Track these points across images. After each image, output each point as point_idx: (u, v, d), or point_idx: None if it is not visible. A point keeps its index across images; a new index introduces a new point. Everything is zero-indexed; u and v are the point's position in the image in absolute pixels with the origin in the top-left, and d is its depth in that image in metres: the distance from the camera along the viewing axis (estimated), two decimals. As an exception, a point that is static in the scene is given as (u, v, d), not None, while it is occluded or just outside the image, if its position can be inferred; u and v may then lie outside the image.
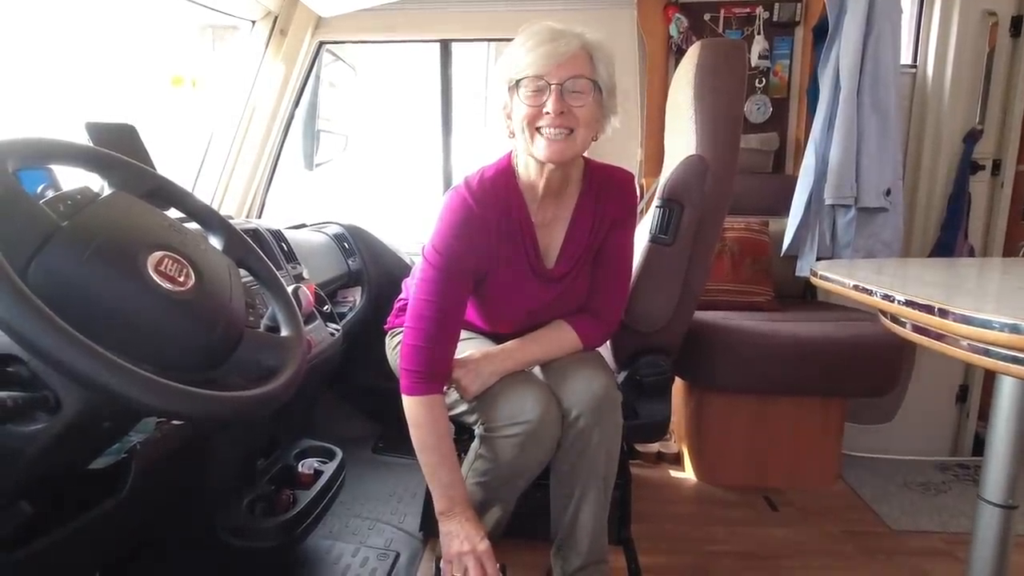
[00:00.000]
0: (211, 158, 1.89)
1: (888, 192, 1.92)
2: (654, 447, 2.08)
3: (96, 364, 0.58)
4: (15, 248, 0.62)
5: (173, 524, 1.24)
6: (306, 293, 1.37)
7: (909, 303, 0.71)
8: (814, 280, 1.02)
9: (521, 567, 1.37)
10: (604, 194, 1.22)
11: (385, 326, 1.44)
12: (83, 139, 1.05)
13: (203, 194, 1.85)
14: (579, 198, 1.22)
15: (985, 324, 0.60)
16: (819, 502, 1.83)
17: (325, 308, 1.53)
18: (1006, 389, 0.92)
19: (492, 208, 1.15)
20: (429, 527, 1.56)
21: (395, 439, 2.10)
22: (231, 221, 0.97)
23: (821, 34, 2.02)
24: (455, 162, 2.37)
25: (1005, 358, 0.62)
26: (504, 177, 1.17)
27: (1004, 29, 2.10)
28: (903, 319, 0.78)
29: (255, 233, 1.45)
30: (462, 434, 1.35)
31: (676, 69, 1.66)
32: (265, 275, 0.95)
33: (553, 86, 1.06)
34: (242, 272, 0.91)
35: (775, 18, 2.22)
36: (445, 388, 1.19)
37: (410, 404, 1.14)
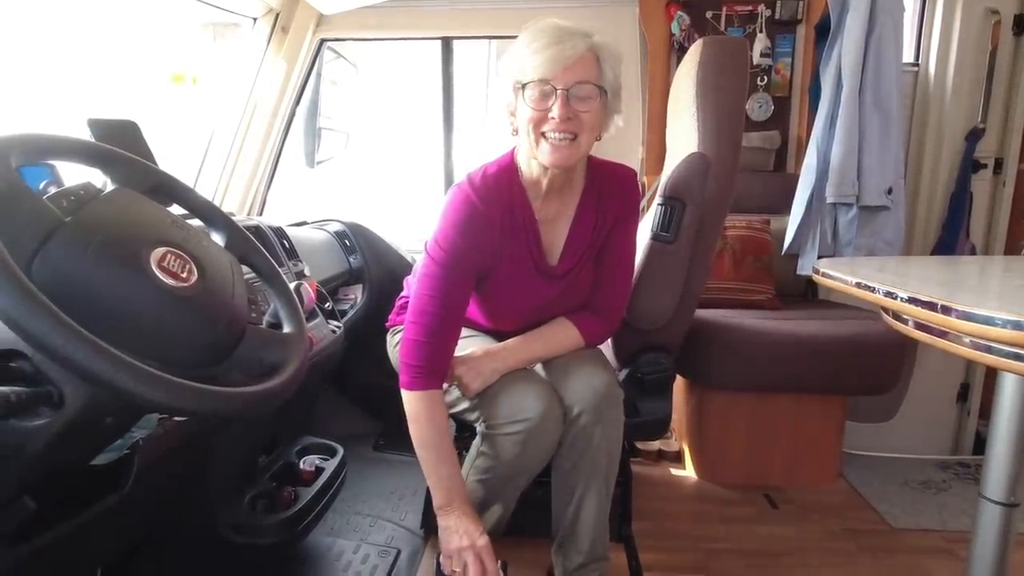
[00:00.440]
0: (212, 155, 1.89)
1: (890, 190, 1.92)
2: (655, 445, 2.09)
3: (100, 360, 0.58)
4: (19, 244, 0.62)
5: (175, 520, 1.24)
6: (308, 290, 1.37)
7: (912, 300, 0.71)
8: (816, 278, 1.02)
9: (522, 564, 1.38)
10: (607, 191, 1.22)
11: (387, 323, 1.44)
12: (85, 135, 1.05)
13: (205, 191, 1.85)
14: (582, 195, 1.22)
15: (988, 321, 0.60)
16: (820, 500, 1.83)
17: (327, 305, 1.53)
18: (1008, 386, 0.92)
19: (495, 205, 1.14)
20: (430, 524, 1.56)
21: (396, 436, 2.10)
22: (233, 218, 0.97)
23: (823, 32, 2.02)
24: (456, 159, 2.37)
25: (1007, 355, 0.62)
26: (507, 174, 1.17)
27: (1007, 27, 2.09)
28: (905, 316, 0.78)
29: (257, 230, 1.45)
30: (463, 432, 1.35)
31: (678, 67, 1.66)
32: (267, 272, 0.95)
33: (559, 91, 1.05)
34: (244, 269, 0.91)
35: (777, 16, 2.21)
36: (446, 386, 1.20)
37: (409, 399, 1.15)
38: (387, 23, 2.20)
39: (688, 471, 2.02)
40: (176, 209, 0.87)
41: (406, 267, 2.00)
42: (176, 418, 0.97)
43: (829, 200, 1.94)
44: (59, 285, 0.63)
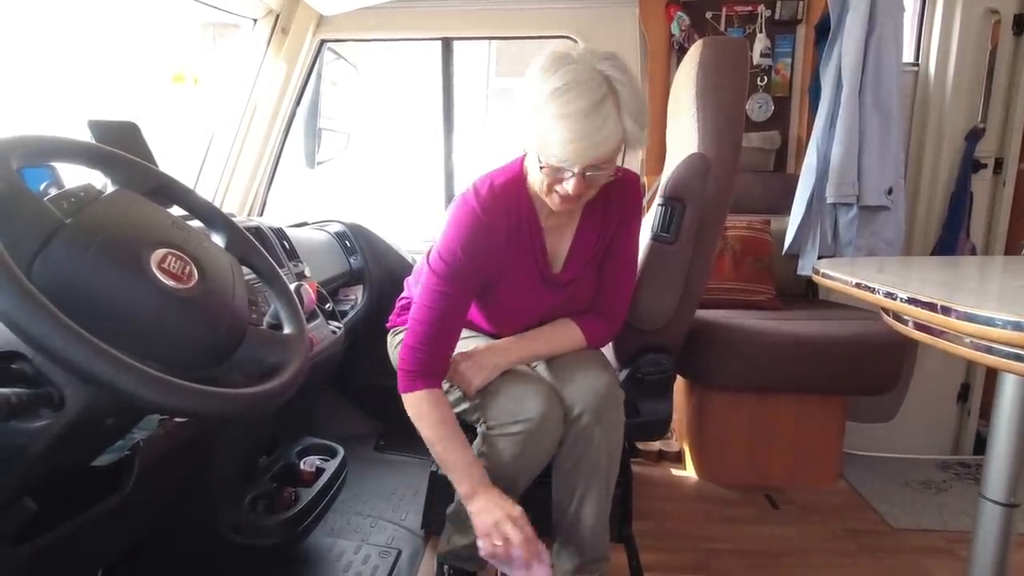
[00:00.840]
0: (213, 156, 1.89)
1: (890, 191, 1.92)
2: (655, 445, 2.09)
3: (100, 361, 0.58)
4: (19, 245, 0.62)
5: (175, 521, 1.25)
6: (308, 291, 1.37)
7: (912, 301, 0.71)
8: (816, 278, 1.02)
9: (522, 565, 1.37)
10: (611, 197, 1.21)
11: (387, 324, 1.44)
12: (86, 137, 1.05)
13: (205, 192, 1.85)
14: (587, 203, 1.21)
15: (988, 321, 0.60)
16: (820, 500, 1.83)
17: (327, 306, 1.53)
18: (1008, 387, 0.93)
19: (502, 215, 1.13)
20: (431, 524, 1.56)
21: (397, 437, 2.10)
22: (233, 219, 0.97)
23: (823, 32, 2.02)
24: (457, 160, 2.37)
25: (1008, 355, 0.62)
26: (515, 185, 1.15)
27: (1006, 27, 2.09)
28: (905, 317, 0.78)
29: (257, 231, 1.45)
30: (464, 432, 1.35)
31: (678, 67, 1.66)
32: (268, 273, 0.96)
33: (577, 172, 1.01)
34: (245, 270, 0.91)
35: (777, 16, 2.21)
36: (447, 386, 1.20)
37: (409, 400, 1.14)
38: (387, 24, 2.20)
39: (688, 471, 2.02)
40: (176, 210, 0.87)
41: (406, 268, 2.00)
42: (177, 419, 0.97)
43: (829, 200, 1.94)
44: (60, 287, 0.63)
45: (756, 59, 2.20)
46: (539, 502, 1.25)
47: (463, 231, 1.12)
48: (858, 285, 0.86)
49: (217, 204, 1.78)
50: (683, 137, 1.46)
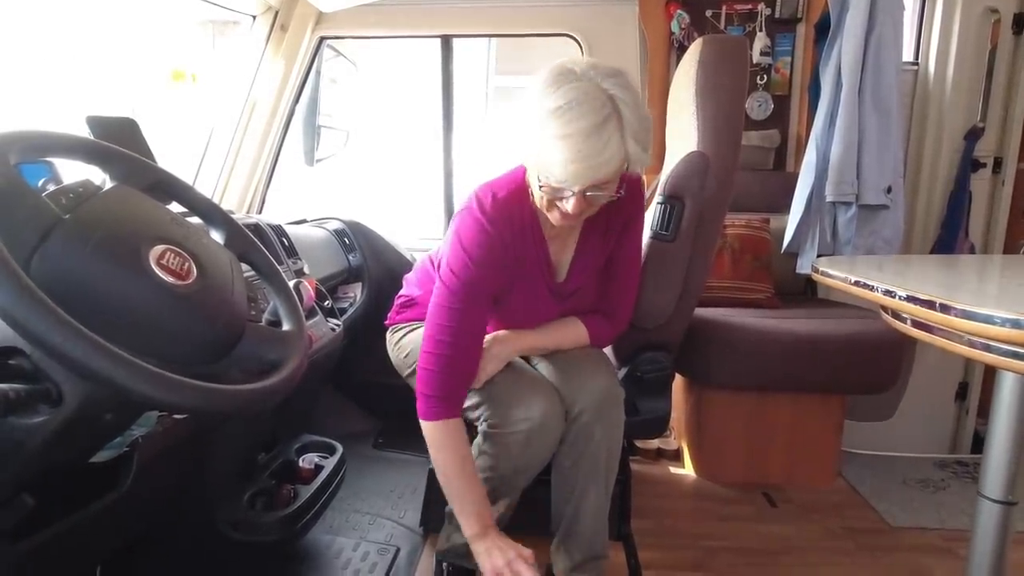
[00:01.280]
0: (212, 153, 1.89)
1: (889, 189, 1.92)
2: (654, 443, 2.09)
3: (99, 357, 0.58)
4: (18, 241, 0.62)
5: (174, 518, 1.25)
6: (307, 288, 1.38)
7: (911, 299, 0.71)
8: (815, 276, 1.02)
9: (521, 562, 1.38)
10: (614, 202, 1.21)
11: (386, 322, 1.44)
12: (84, 133, 1.05)
13: (204, 189, 1.85)
14: None
15: (987, 319, 0.60)
16: (818, 499, 1.84)
17: (326, 303, 1.53)
18: (1007, 385, 0.93)
19: (507, 227, 1.12)
20: (429, 522, 1.56)
21: (395, 434, 2.10)
22: (232, 216, 0.97)
23: (823, 31, 2.02)
24: (456, 158, 2.37)
25: (1006, 353, 0.62)
26: (517, 196, 1.13)
27: (1006, 26, 2.09)
28: (904, 315, 0.78)
29: (256, 228, 1.45)
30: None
31: (677, 66, 1.66)
32: (267, 269, 0.95)
33: (576, 192, 1.00)
34: (244, 266, 0.91)
35: (777, 15, 2.21)
36: None
37: (429, 429, 1.12)
38: (387, 21, 2.20)
39: (687, 469, 2.02)
40: (175, 207, 0.87)
41: (405, 265, 2.00)
42: (175, 416, 0.97)
43: (828, 199, 1.94)
44: (58, 282, 0.63)
45: (756, 57, 2.19)
46: (539, 500, 1.26)
47: (473, 244, 1.10)
48: (857, 283, 0.86)
49: (216, 201, 1.78)
50: (683, 135, 1.46)
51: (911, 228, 2.20)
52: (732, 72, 1.36)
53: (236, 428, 1.27)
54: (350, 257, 1.98)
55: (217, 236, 0.90)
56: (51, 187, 0.72)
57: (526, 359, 1.29)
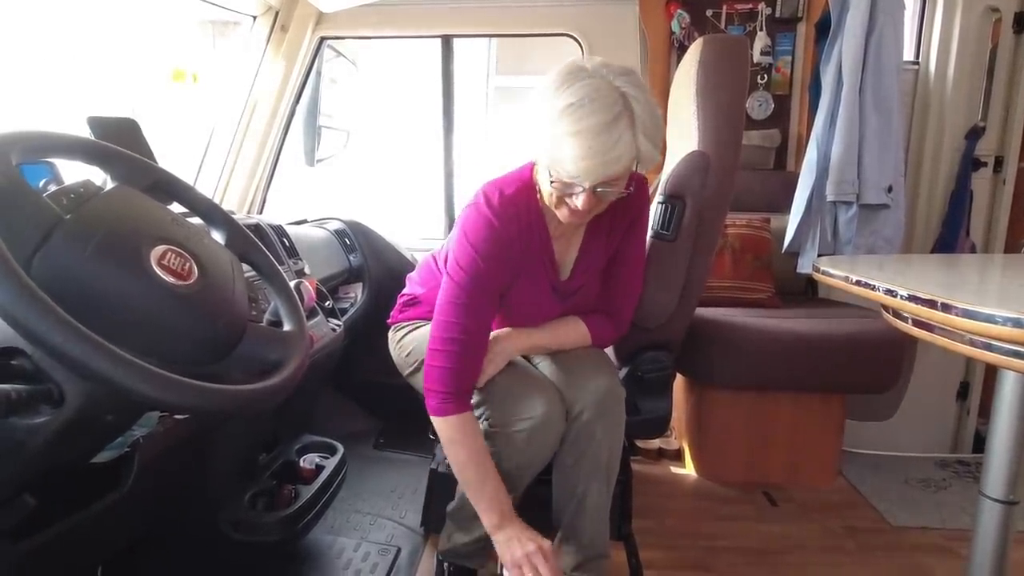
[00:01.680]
0: (212, 153, 1.89)
1: (890, 189, 1.92)
2: (655, 443, 2.09)
3: (100, 357, 0.58)
4: (19, 241, 0.62)
5: (175, 518, 1.25)
6: (308, 288, 1.38)
7: (912, 298, 0.71)
8: (816, 276, 1.02)
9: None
10: (619, 201, 1.21)
11: (388, 320, 1.44)
12: (85, 133, 1.05)
13: (205, 189, 1.85)
14: None
15: (988, 319, 0.60)
16: (819, 498, 1.84)
17: (327, 304, 1.53)
18: (1008, 384, 0.93)
19: (513, 223, 1.12)
20: (430, 522, 1.56)
21: (396, 435, 2.10)
22: (233, 216, 0.97)
23: (824, 30, 2.02)
24: (457, 158, 2.37)
25: (1008, 352, 0.62)
26: (525, 194, 1.14)
27: (1007, 25, 2.09)
28: (905, 314, 0.78)
29: (257, 228, 1.45)
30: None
31: (678, 65, 1.66)
32: (267, 270, 0.95)
33: (587, 188, 1.01)
34: (244, 267, 0.91)
35: (777, 14, 2.21)
36: None
37: (442, 425, 1.12)
38: (387, 21, 2.20)
39: (688, 469, 2.02)
40: (176, 207, 0.87)
41: (406, 265, 2.00)
42: (176, 416, 0.97)
43: (829, 198, 1.94)
44: (59, 282, 0.63)
45: (756, 57, 2.19)
46: (540, 499, 1.26)
47: (480, 239, 1.10)
48: (858, 283, 0.86)
49: (217, 201, 1.79)
50: (683, 135, 1.46)
51: (912, 227, 2.20)
52: (733, 72, 1.36)
53: (237, 428, 1.27)
54: (351, 257, 1.98)
55: (218, 236, 0.90)
56: (52, 187, 0.72)
57: (527, 358, 1.29)
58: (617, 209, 1.17)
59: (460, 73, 2.35)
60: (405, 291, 1.44)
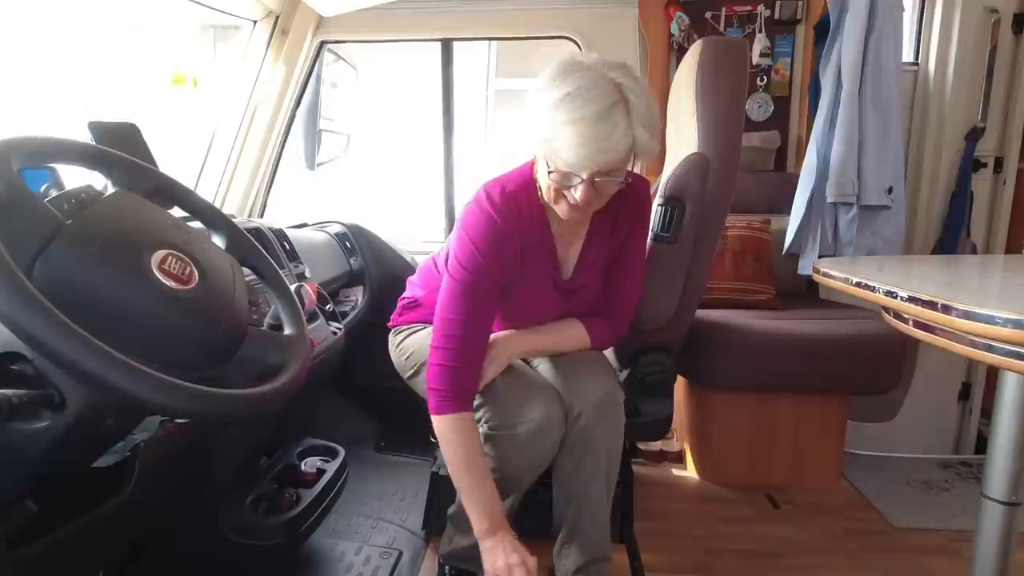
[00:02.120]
0: (213, 158, 1.89)
1: (890, 190, 1.92)
2: (656, 445, 2.08)
3: (101, 362, 0.58)
4: (20, 246, 0.62)
5: (176, 522, 1.24)
6: (308, 292, 1.37)
7: (912, 299, 0.71)
8: (816, 277, 1.02)
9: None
10: (622, 201, 1.21)
11: (389, 323, 1.44)
12: (86, 138, 1.05)
13: (205, 194, 1.85)
14: (597, 209, 1.21)
15: (989, 320, 0.60)
16: (821, 500, 1.83)
17: (327, 307, 1.53)
18: (1009, 385, 0.92)
19: (515, 221, 1.12)
20: (431, 526, 1.56)
21: (397, 438, 2.10)
22: (233, 220, 0.97)
23: (823, 32, 2.02)
24: (457, 162, 2.37)
25: (1009, 354, 0.62)
26: (526, 191, 1.14)
27: (1006, 26, 2.09)
28: (906, 315, 0.78)
29: (257, 232, 1.45)
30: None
31: (677, 68, 1.66)
32: (268, 273, 0.96)
33: (585, 179, 1.01)
34: (245, 271, 0.91)
35: (776, 16, 2.21)
36: None
37: (440, 423, 1.12)
38: (387, 25, 2.20)
39: (690, 471, 2.02)
40: (177, 211, 0.88)
41: (407, 268, 2.00)
42: (177, 421, 0.97)
43: (829, 200, 1.94)
44: (60, 288, 0.63)
45: (755, 59, 2.20)
46: (540, 502, 1.26)
47: (481, 235, 1.10)
48: (858, 284, 0.86)
49: (217, 206, 1.79)
50: (683, 137, 1.46)
51: (912, 228, 2.20)
52: (732, 74, 1.37)
53: (238, 432, 1.27)
54: (351, 260, 1.98)
55: (218, 240, 0.90)
56: (53, 192, 0.72)
57: (527, 361, 1.29)
58: (619, 209, 1.17)
59: (460, 76, 2.35)
60: (405, 294, 1.44)
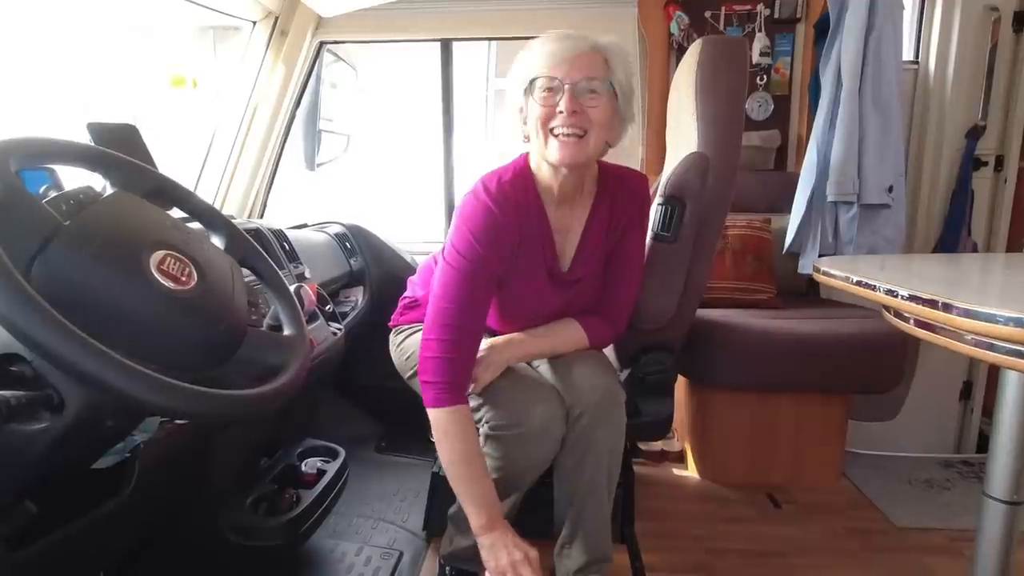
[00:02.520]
0: (213, 158, 1.89)
1: (890, 189, 1.91)
2: (657, 445, 2.08)
3: (99, 363, 0.58)
4: (18, 247, 0.62)
5: (176, 523, 1.24)
6: (308, 292, 1.37)
7: (913, 298, 0.71)
8: (817, 276, 1.02)
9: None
10: (619, 197, 1.21)
11: (390, 323, 1.44)
12: (85, 139, 1.05)
13: (205, 194, 1.85)
14: (594, 201, 1.21)
15: (990, 318, 0.59)
16: (823, 499, 1.83)
17: (327, 307, 1.53)
18: (1010, 384, 0.92)
19: (512, 210, 1.13)
20: (432, 526, 1.56)
21: (398, 438, 2.10)
22: (233, 221, 0.97)
23: (823, 31, 2.02)
24: (457, 162, 2.37)
25: (1010, 352, 0.62)
26: (522, 180, 1.15)
27: (1006, 25, 2.09)
28: (906, 314, 0.78)
29: (257, 233, 1.44)
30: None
31: (677, 67, 1.66)
32: (267, 274, 0.95)
33: (567, 86, 1.06)
34: (244, 271, 0.91)
35: (776, 15, 2.21)
36: None
37: (437, 416, 1.11)
38: (386, 25, 2.20)
39: (691, 471, 2.02)
40: (176, 213, 0.87)
41: (407, 269, 2.00)
42: (177, 422, 0.97)
43: (830, 199, 1.93)
44: (58, 288, 0.63)
45: (755, 58, 2.19)
46: (541, 502, 1.26)
47: (479, 225, 1.11)
48: (859, 283, 0.85)
49: (217, 206, 1.79)
50: (683, 136, 1.46)
51: (913, 227, 2.19)
52: (732, 73, 1.36)
53: (238, 433, 1.27)
54: (351, 261, 1.98)
55: (218, 241, 0.90)
56: (52, 193, 0.72)
57: (527, 361, 1.29)
58: (616, 204, 1.18)
59: (460, 76, 2.35)
60: (406, 293, 1.44)
